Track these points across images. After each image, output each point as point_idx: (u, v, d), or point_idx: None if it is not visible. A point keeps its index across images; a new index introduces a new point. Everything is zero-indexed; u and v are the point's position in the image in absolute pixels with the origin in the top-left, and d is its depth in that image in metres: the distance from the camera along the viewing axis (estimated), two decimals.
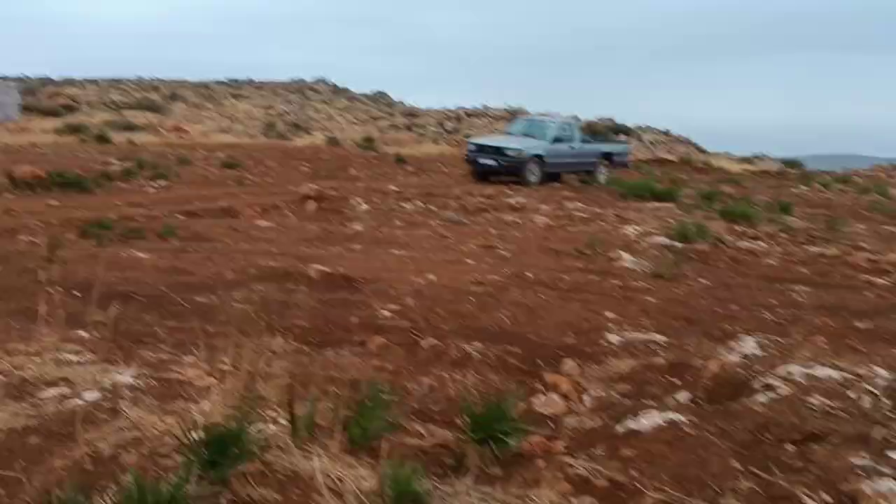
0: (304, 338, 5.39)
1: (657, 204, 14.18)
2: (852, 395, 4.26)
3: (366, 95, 50.90)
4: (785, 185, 24.58)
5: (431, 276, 7.26)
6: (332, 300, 6.36)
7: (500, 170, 17.87)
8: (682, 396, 4.72)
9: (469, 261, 8.13)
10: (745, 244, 10.42)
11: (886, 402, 4.30)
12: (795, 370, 4.55)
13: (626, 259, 8.77)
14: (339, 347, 5.16)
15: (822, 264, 9.60)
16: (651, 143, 36.25)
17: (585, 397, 4.49)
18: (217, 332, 5.41)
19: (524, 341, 5.76)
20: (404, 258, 8.00)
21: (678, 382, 5.00)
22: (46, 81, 49.70)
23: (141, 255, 7.38)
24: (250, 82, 57.28)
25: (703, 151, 37.23)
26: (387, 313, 6.03)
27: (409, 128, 31.70)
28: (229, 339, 5.31)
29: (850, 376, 4.52)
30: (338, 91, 52.58)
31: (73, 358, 3.90)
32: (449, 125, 31.57)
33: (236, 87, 53.86)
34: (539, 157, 17.92)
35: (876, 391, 4.36)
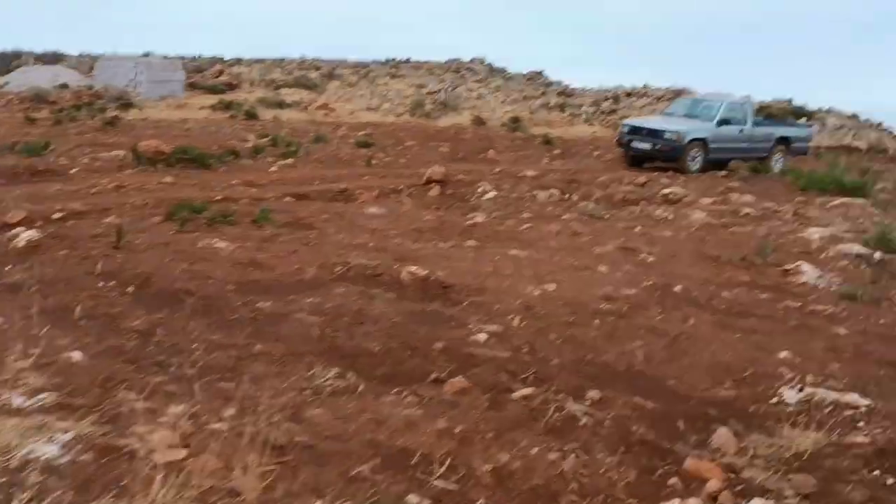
0: (369, 369, 4.19)
1: (845, 200, 11.84)
2: None
3: (523, 75, 49.37)
4: None
5: (551, 287, 5.86)
6: (420, 314, 5.13)
7: (656, 155, 15.89)
8: None
9: (602, 267, 6.63)
10: None
11: None
12: None
13: (807, 272, 6.91)
14: (406, 388, 3.90)
15: None
16: (836, 127, 32.33)
17: None
18: (264, 353, 4.34)
19: (661, 391, 4.26)
20: (522, 260, 6.63)
21: (890, 482, 3.35)
22: (216, 61, 51.92)
23: (220, 244, 6.49)
24: (408, 62, 57.32)
25: None
26: (482, 337, 4.72)
27: (561, 108, 29.90)
28: (271, 367, 4.24)
29: None
30: (494, 71, 51.39)
31: (20, 402, 2.89)
32: (605, 106, 29.46)
33: (394, 67, 53.99)
34: (702, 140, 15.76)
35: None
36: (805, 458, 3.52)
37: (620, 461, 3.18)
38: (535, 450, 3.18)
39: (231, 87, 35.38)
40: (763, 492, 3.22)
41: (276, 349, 4.38)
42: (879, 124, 36.56)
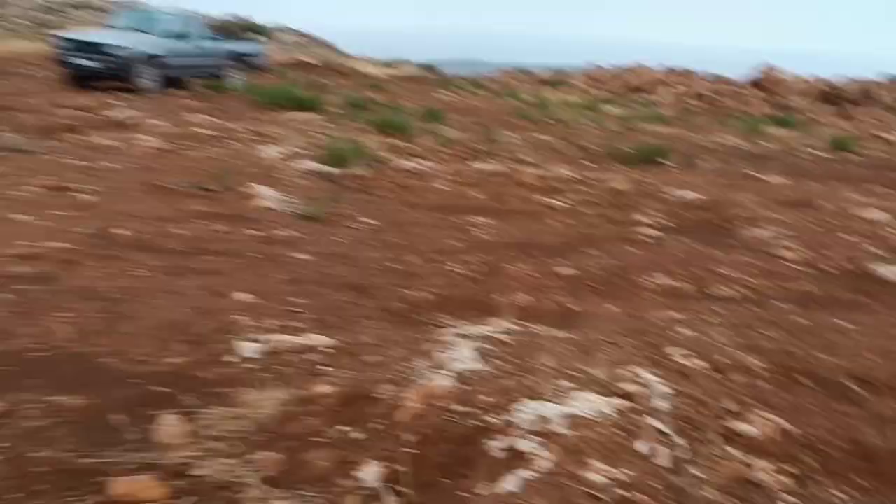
0: None
1: (301, 115, 12.02)
2: (642, 446, 2.65)
3: None
4: (427, 90, 24.05)
5: None
6: None
7: (102, 73, 14.03)
8: (370, 475, 2.74)
9: (22, 215, 5.23)
10: (407, 164, 8.79)
11: (683, 444, 2.77)
12: (547, 409, 2.82)
13: (266, 195, 6.52)
14: None
15: (493, 185, 8.35)
16: (291, 44, 33.81)
17: None
18: None
19: (94, 376, 3.29)
20: None
21: (360, 438, 3.01)
22: None
23: None
24: None
25: (344, 55, 35.75)
26: None
27: None
28: None
29: (621, 403, 2.92)
30: None
31: None
32: (41, 17, 25.57)
33: None
34: (153, 56, 14.42)
35: (666, 428, 2.81)
36: (269, 426, 2.99)
37: None
38: None
39: None
40: (220, 490, 2.59)
41: None
42: (328, 42, 39.47)
